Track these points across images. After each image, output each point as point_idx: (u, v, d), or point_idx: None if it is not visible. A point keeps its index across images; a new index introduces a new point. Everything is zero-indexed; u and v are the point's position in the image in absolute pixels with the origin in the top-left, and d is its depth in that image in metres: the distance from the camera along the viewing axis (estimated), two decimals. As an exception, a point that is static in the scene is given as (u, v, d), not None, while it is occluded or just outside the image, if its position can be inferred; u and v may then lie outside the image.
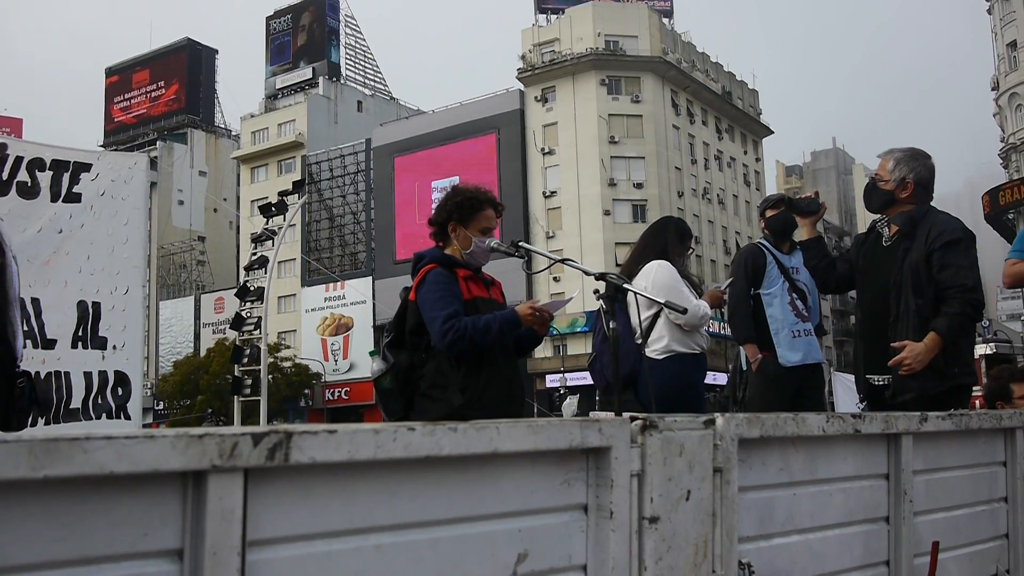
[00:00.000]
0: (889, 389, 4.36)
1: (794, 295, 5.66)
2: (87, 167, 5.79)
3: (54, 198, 5.64)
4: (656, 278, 5.10)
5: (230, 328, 32.47)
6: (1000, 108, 48.29)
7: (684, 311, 4.28)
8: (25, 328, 5.28)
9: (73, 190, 5.73)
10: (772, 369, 5.54)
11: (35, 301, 5.41)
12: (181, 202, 76.26)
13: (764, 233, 5.94)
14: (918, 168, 4.49)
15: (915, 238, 4.37)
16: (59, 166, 5.67)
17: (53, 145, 5.73)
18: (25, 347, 5.19)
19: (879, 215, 4.64)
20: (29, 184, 5.53)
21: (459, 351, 3.83)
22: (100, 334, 5.70)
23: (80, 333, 5.61)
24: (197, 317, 67.98)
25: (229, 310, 47.58)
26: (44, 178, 5.59)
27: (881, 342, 4.33)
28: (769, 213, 5.85)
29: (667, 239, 5.35)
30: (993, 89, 49.10)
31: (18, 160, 5.46)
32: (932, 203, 4.55)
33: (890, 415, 2.64)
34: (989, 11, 49.56)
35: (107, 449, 1.23)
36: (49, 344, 5.45)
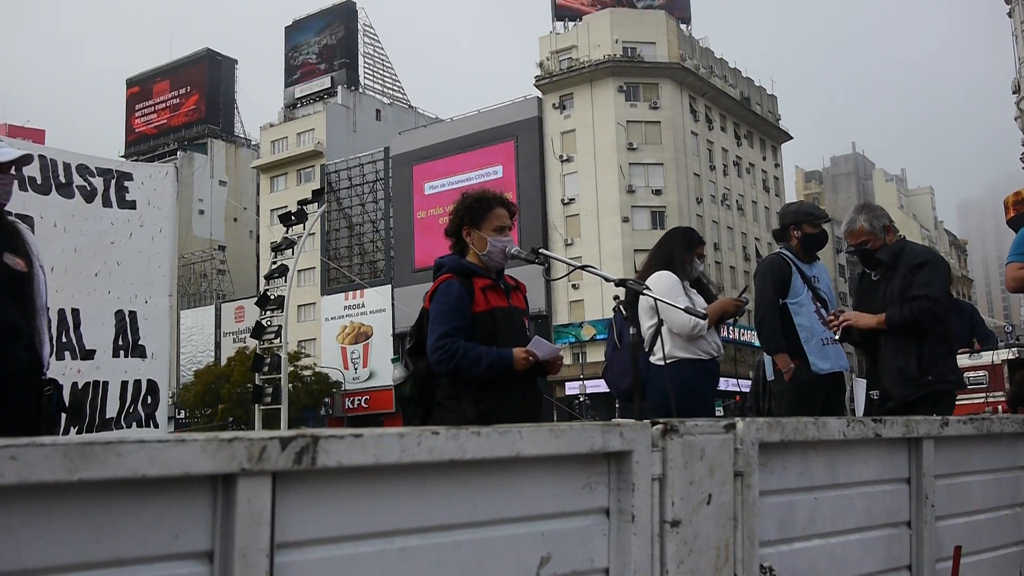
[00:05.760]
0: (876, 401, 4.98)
1: (817, 304, 5.63)
2: (129, 176, 5.86)
3: (107, 203, 5.70)
4: (655, 288, 5.12)
5: (250, 337, 32.53)
6: (1021, 111, 47.80)
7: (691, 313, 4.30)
8: (64, 340, 5.32)
9: (126, 198, 5.79)
10: (805, 377, 5.49)
11: (75, 312, 5.43)
12: (201, 212, 76.84)
13: (792, 244, 5.77)
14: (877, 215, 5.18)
15: (896, 268, 4.97)
16: (105, 173, 5.74)
17: (90, 155, 5.79)
18: (63, 359, 5.24)
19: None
20: (88, 188, 5.60)
21: (444, 372, 3.84)
22: (140, 342, 5.75)
23: (120, 342, 5.64)
24: (218, 326, 68.35)
25: (249, 319, 47.76)
26: (98, 183, 5.66)
27: (874, 362, 5.01)
28: (808, 230, 5.72)
29: (672, 249, 5.42)
30: (1014, 92, 48.65)
31: (67, 165, 5.53)
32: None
33: (911, 419, 2.63)
34: (1009, 14, 49.15)
35: (139, 453, 1.26)
36: (88, 354, 5.46)
